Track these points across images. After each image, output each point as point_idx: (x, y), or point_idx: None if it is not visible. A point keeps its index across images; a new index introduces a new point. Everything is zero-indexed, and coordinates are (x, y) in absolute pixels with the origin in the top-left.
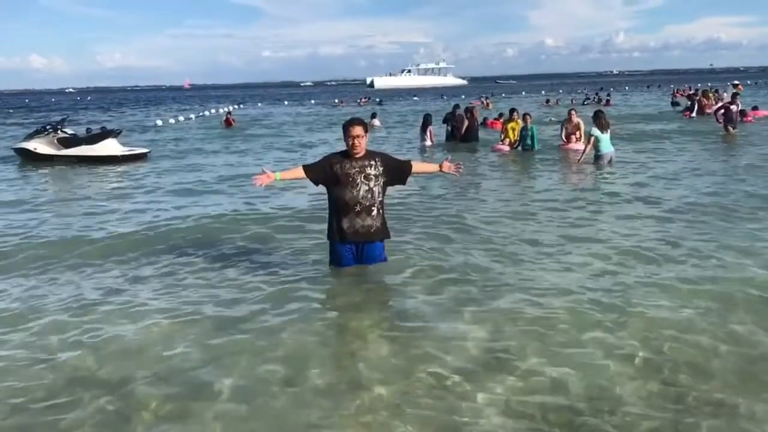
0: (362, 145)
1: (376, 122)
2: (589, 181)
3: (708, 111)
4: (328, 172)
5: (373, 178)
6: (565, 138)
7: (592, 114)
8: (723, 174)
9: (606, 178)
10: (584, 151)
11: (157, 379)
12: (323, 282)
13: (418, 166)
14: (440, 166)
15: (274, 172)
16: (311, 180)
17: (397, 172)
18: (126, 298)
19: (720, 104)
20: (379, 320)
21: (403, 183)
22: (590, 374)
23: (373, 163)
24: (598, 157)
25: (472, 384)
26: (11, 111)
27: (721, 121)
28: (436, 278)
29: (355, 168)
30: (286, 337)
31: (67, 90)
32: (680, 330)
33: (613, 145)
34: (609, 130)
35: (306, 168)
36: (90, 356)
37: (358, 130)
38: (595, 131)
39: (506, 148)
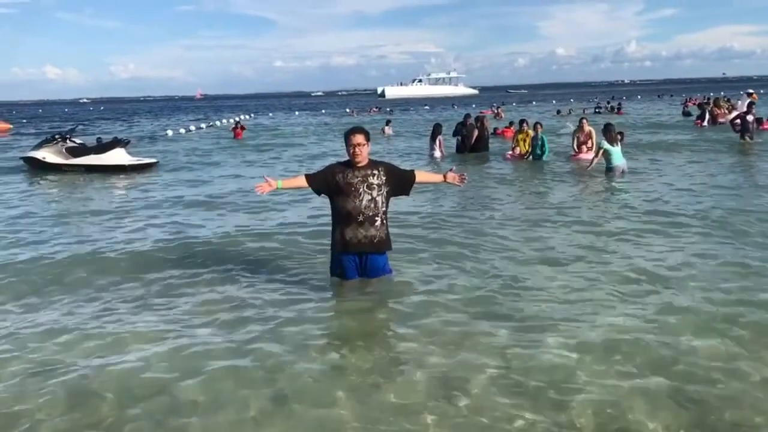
0: (364, 153)
1: (389, 130)
2: (602, 194)
3: (721, 120)
4: (330, 182)
5: (376, 187)
6: (577, 148)
7: (602, 126)
8: (742, 186)
9: (619, 191)
10: (592, 161)
11: (151, 411)
12: (326, 297)
13: (421, 176)
14: (444, 177)
15: (276, 180)
16: (313, 189)
17: (400, 182)
18: (121, 316)
19: (736, 114)
20: (383, 338)
21: (407, 194)
22: (606, 400)
23: (375, 172)
24: (609, 169)
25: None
26: (24, 121)
27: (738, 131)
28: (444, 293)
29: (357, 177)
30: (286, 359)
31: (81, 100)
32: (700, 355)
33: (625, 155)
34: (620, 143)
35: (308, 177)
36: (84, 378)
37: (359, 138)
38: (605, 144)
39: (518, 155)
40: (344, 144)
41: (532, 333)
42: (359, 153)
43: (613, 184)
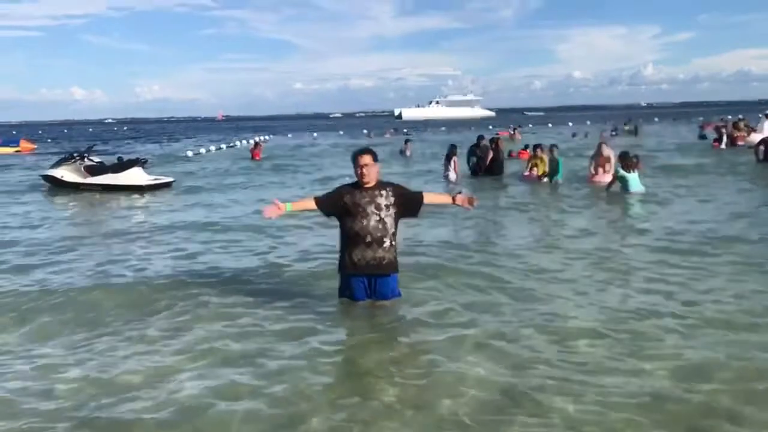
0: (372, 174)
1: (409, 149)
2: (619, 219)
3: (740, 142)
4: (338, 203)
5: (384, 208)
6: (594, 170)
7: (618, 153)
8: (763, 213)
9: (636, 218)
10: (609, 185)
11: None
12: (334, 322)
13: (430, 198)
14: (453, 199)
15: (284, 203)
16: (322, 211)
17: (409, 203)
18: (133, 340)
19: (760, 138)
20: (389, 361)
21: (415, 215)
22: (613, 417)
23: (384, 192)
24: (626, 192)
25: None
26: (49, 140)
27: (762, 157)
28: (454, 317)
29: (365, 198)
30: (290, 379)
31: (106, 120)
32: (714, 377)
33: (643, 178)
34: (637, 169)
35: (317, 199)
36: (94, 393)
37: (366, 159)
38: (621, 171)
39: (535, 176)
40: (352, 165)
41: (539, 354)
42: (367, 174)
43: (630, 210)
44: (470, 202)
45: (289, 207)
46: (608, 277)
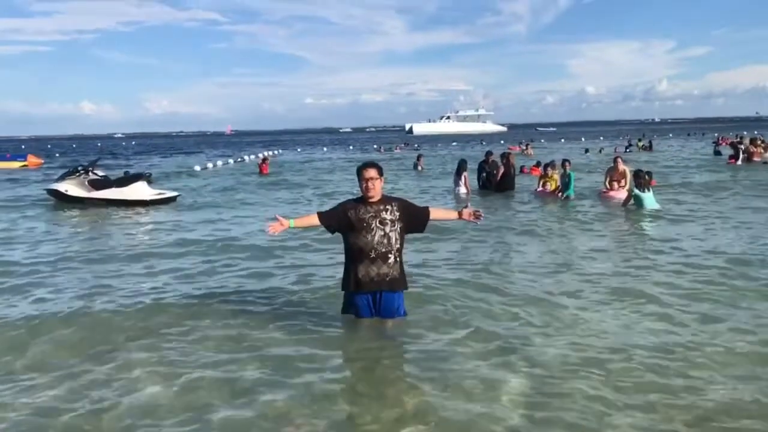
0: (377, 188)
1: (420, 165)
2: (634, 239)
3: (756, 159)
4: (342, 219)
5: (389, 223)
6: (608, 185)
7: (633, 172)
8: None
9: (651, 238)
10: (624, 202)
11: None
12: (336, 339)
13: (436, 213)
14: (459, 214)
15: (287, 219)
16: (326, 227)
17: (414, 218)
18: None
19: None
20: (391, 384)
21: (421, 231)
22: None
23: (389, 207)
24: (640, 208)
25: None
26: (57, 155)
27: None
28: (463, 338)
29: (370, 213)
30: (290, 400)
31: (116, 135)
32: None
33: (658, 196)
34: (651, 186)
35: (320, 215)
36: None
37: (371, 172)
38: (636, 191)
39: (548, 192)
40: (357, 179)
41: (553, 382)
42: (372, 187)
43: (645, 230)
44: (476, 216)
45: (292, 223)
46: (622, 304)
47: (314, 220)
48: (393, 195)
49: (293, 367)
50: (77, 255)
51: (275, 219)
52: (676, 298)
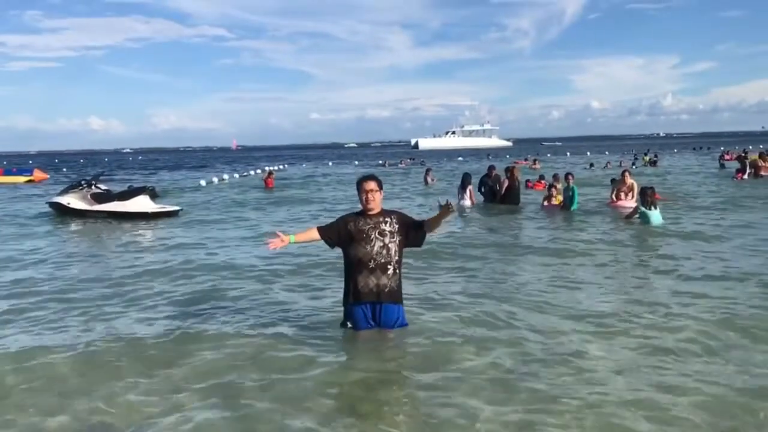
0: (377, 200)
1: (429, 179)
2: (641, 257)
3: (763, 173)
4: (342, 232)
5: (388, 234)
6: (615, 197)
7: (639, 190)
8: None
9: (659, 256)
10: (630, 215)
11: None
12: (335, 356)
13: (430, 225)
14: (441, 213)
15: (287, 234)
16: (326, 242)
17: (413, 231)
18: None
19: None
20: (391, 398)
21: (419, 245)
22: None
23: (388, 219)
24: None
25: None
26: (65, 169)
27: None
28: (464, 352)
29: (369, 224)
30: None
31: (124, 150)
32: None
33: (663, 212)
34: (656, 206)
35: (320, 229)
36: None
37: (371, 185)
38: (642, 208)
39: (553, 206)
40: (357, 192)
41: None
42: (372, 199)
43: (651, 248)
44: (447, 205)
45: (292, 239)
46: (628, 326)
47: (314, 234)
48: (392, 209)
49: (290, 379)
50: (72, 278)
51: (275, 235)
52: (677, 315)
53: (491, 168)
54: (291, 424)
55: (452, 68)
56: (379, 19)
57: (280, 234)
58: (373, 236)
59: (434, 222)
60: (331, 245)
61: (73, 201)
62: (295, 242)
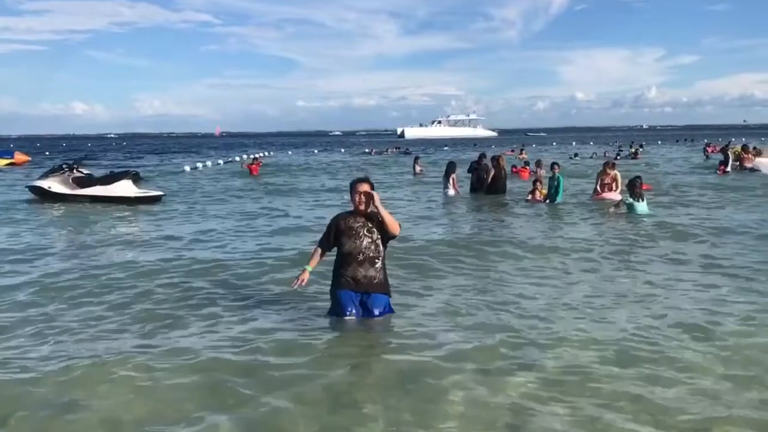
0: (368, 201)
1: (420, 167)
2: (629, 250)
3: (748, 165)
4: (335, 230)
5: (375, 231)
6: (600, 188)
7: (627, 182)
8: None
9: (649, 247)
10: (616, 204)
11: None
12: (324, 342)
13: (386, 224)
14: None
15: (304, 269)
16: (328, 251)
17: (385, 229)
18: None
19: None
20: (377, 383)
21: (391, 237)
22: None
23: (374, 218)
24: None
25: None
26: (47, 153)
27: None
28: (450, 334)
29: (359, 222)
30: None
31: (109, 135)
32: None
33: (651, 205)
34: (644, 198)
35: (321, 246)
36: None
37: (365, 187)
38: (629, 199)
39: (538, 199)
40: (349, 192)
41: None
42: (365, 200)
43: (639, 240)
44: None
45: (309, 268)
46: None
47: (318, 254)
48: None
49: (274, 365)
50: (50, 274)
51: (297, 279)
52: (668, 306)
53: (482, 156)
54: (279, 410)
55: (439, 58)
56: (366, 6)
57: (300, 276)
58: (362, 233)
59: (385, 220)
60: (331, 249)
61: (54, 185)
62: (311, 269)
